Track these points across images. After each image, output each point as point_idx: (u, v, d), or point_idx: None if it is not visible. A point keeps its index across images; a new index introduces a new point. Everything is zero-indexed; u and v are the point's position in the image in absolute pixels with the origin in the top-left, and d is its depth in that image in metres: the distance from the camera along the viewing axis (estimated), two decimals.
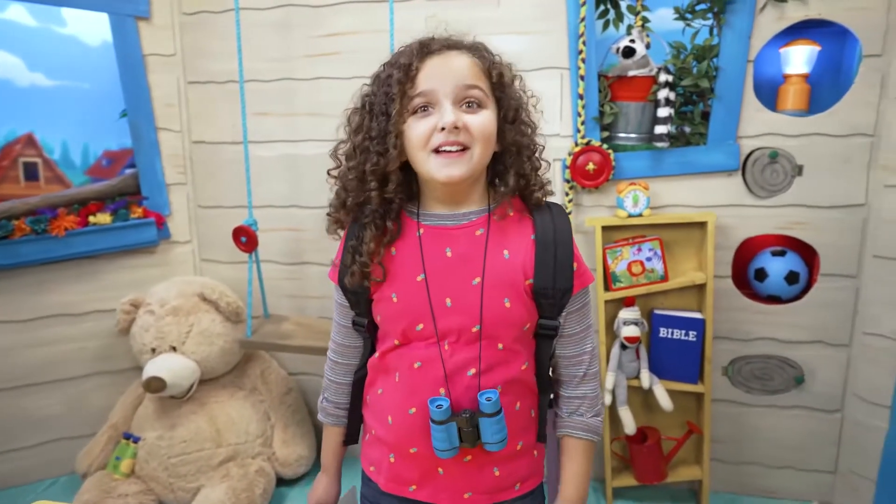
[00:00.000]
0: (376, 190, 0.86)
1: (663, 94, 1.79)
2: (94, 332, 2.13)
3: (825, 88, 1.89)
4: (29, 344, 2.05)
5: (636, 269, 1.87)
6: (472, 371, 0.86)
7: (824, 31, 1.82)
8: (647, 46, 1.84)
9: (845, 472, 1.93)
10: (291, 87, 2.06)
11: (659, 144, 1.83)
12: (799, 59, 1.82)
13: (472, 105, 0.84)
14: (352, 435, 1.04)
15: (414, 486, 0.92)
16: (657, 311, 1.90)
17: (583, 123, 1.86)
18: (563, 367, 0.95)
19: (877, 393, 1.80)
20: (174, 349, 1.91)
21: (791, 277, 1.89)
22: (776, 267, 1.91)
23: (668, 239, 1.90)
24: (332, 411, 1.04)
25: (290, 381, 2.19)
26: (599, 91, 1.86)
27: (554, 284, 0.86)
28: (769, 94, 1.86)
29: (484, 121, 0.84)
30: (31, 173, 2.21)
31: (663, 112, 1.79)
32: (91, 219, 2.03)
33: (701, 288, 1.87)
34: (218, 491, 1.81)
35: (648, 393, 1.89)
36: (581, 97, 1.84)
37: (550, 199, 0.94)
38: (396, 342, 0.89)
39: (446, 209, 0.90)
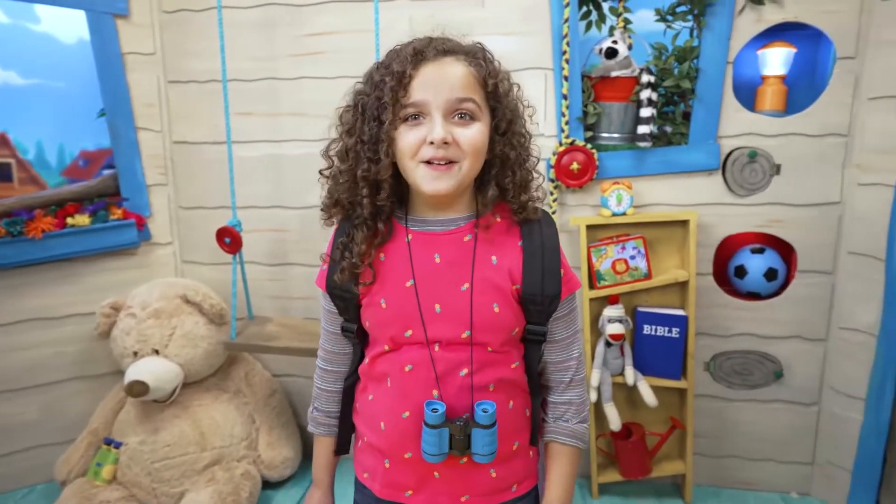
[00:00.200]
0: (368, 197, 0.85)
1: (645, 94, 1.81)
2: (73, 337, 2.08)
3: (801, 90, 1.94)
4: (5, 349, 2.00)
5: (620, 267, 1.89)
6: (465, 371, 0.86)
7: (800, 34, 1.87)
8: (630, 48, 1.86)
9: (823, 463, 1.98)
10: (274, 87, 2.04)
11: (642, 144, 1.85)
12: (776, 60, 1.87)
13: (465, 117, 0.82)
14: (343, 445, 1.02)
15: (410, 492, 0.91)
16: (641, 309, 1.93)
17: (567, 123, 1.88)
18: (550, 372, 0.95)
19: (852, 386, 1.85)
20: (157, 352, 1.88)
21: (770, 274, 1.93)
22: (755, 264, 1.95)
23: (652, 237, 1.93)
24: (322, 420, 1.02)
25: (275, 383, 2.17)
26: (583, 91, 1.89)
27: (542, 291, 0.87)
28: (748, 94, 1.90)
29: (475, 134, 0.83)
30: (4, 174, 2.16)
31: (646, 112, 1.82)
32: (69, 220, 1.98)
33: (683, 285, 1.90)
34: (203, 495, 1.78)
35: (633, 389, 1.92)
36: (565, 97, 1.86)
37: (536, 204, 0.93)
38: (386, 348, 0.89)
39: (434, 215, 0.90)
